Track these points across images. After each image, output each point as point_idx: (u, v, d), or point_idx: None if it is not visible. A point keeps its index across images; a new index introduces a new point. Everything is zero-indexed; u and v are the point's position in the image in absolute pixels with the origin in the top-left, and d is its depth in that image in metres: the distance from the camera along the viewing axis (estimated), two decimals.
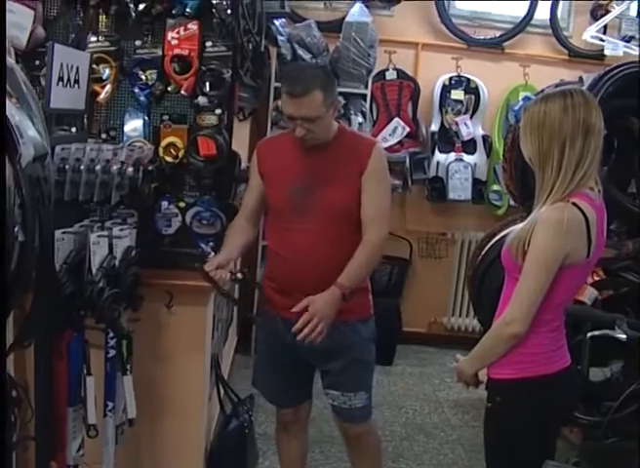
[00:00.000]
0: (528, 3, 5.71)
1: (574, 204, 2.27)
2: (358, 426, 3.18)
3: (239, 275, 2.84)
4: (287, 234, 2.97)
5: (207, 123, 3.11)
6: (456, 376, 2.58)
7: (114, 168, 2.67)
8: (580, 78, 4.79)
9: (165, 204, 3.18)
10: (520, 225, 2.39)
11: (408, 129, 5.66)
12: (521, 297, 2.31)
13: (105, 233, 2.65)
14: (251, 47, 3.26)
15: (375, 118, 5.67)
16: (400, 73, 5.70)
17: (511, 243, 2.36)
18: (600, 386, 3.95)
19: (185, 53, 3.04)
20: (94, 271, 2.60)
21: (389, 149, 5.43)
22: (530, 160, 2.39)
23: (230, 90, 3.14)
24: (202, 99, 3.08)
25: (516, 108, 4.38)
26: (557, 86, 4.24)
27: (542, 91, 4.27)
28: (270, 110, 5.30)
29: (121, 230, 2.72)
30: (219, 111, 3.11)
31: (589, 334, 2.65)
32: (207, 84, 3.07)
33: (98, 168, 2.64)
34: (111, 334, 2.77)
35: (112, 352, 2.78)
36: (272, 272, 3.09)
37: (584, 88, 3.89)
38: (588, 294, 3.56)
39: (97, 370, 2.73)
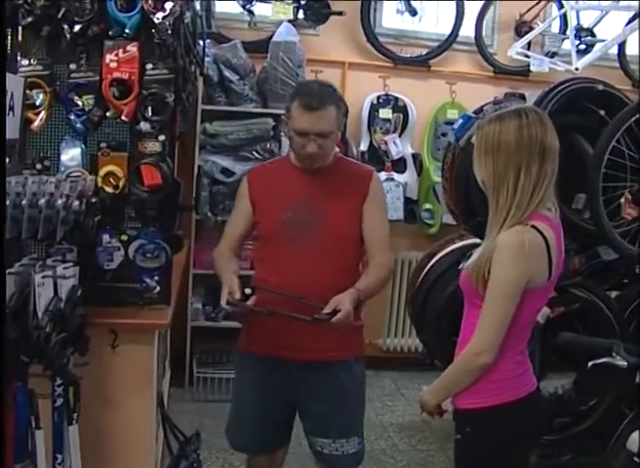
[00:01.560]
0: (453, 21, 5.71)
1: (533, 226, 2.22)
2: None
3: (247, 290, 2.71)
4: (282, 262, 2.82)
5: (150, 150, 2.96)
6: (419, 407, 2.50)
7: (59, 202, 2.47)
8: (512, 94, 4.83)
9: (106, 237, 3.01)
10: (477, 252, 2.34)
11: (337, 149, 5.53)
12: (487, 327, 2.25)
13: (50, 273, 2.45)
14: (193, 68, 3.10)
15: None
16: None
17: (471, 270, 2.30)
18: (552, 404, 3.93)
19: (125, 76, 2.89)
20: (39, 315, 2.39)
21: None
22: (483, 183, 2.32)
23: (173, 115, 3.00)
24: (144, 125, 2.93)
25: (455, 127, 4.32)
26: (495, 103, 4.26)
27: (481, 109, 4.29)
28: (198, 133, 5.13)
29: (65, 268, 2.53)
30: (162, 137, 2.97)
31: (591, 363, 2.58)
32: (149, 109, 2.92)
33: (41, 202, 2.44)
34: (58, 382, 2.56)
35: (60, 400, 2.58)
36: (269, 305, 2.85)
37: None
38: (541, 313, 3.50)
39: (43, 421, 2.51)
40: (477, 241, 4.56)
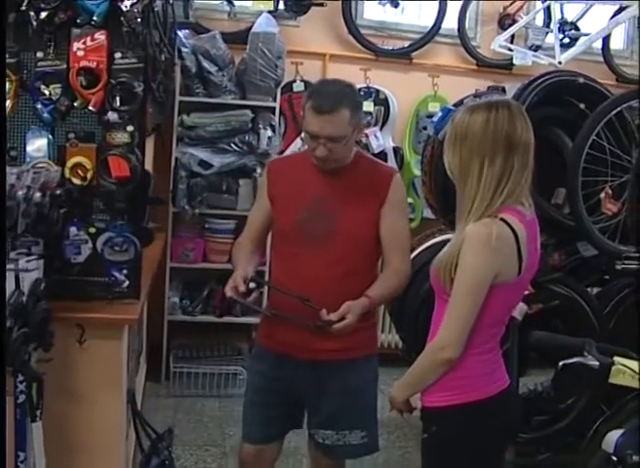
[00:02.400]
0: (435, 13, 5.66)
1: (502, 219, 2.19)
2: (340, 463, 3.01)
3: (252, 285, 2.66)
4: (295, 263, 2.78)
5: (118, 141, 2.89)
6: (389, 404, 2.47)
7: (20, 193, 2.41)
8: (495, 87, 4.79)
9: (73, 230, 2.94)
10: (446, 247, 2.30)
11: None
12: (452, 320, 2.22)
13: (12, 266, 2.39)
14: (163, 58, 3.05)
15: (283, 132, 5.51)
16: (307, 85, 5.52)
17: (438, 265, 2.27)
18: (531, 401, 3.89)
19: (93, 65, 2.82)
20: None
21: None
22: (451, 172, 2.31)
23: (142, 105, 2.94)
24: (112, 115, 2.87)
25: (435, 120, 4.28)
26: (475, 96, 4.21)
27: (462, 102, 4.24)
28: (175, 126, 5.08)
29: (28, 262, 2.48)
30: (130, 128, 2.90)
31: (561, 363, 2.54)
32: (117, 99, 2.86)
33: None
34: (20, 378, 2.50)
35: (22, 397, 2.52)
36: (276, 304, 2.85)
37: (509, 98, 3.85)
38: (518, 309, 3.47)
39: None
40: None
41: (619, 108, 3.64)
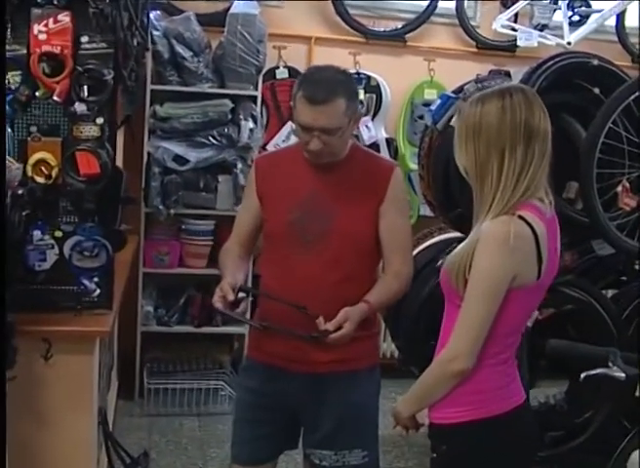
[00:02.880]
0: None
1: (520, 217, 2.17)
2: None
3: (241, 294, 2.64)
4: (287, 267, 2.76)
5: (86, 135, 2.91)
6: (393, 419, 2.44)
7: None
8: (498, 71, 4.77)
9: (37, 234, 2.95)
10: (459, 246, 2.28)
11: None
12: (465, 328, 2.19)
13: None
14: (135, 43, 3.01)
15: (265, 123, 5.48)
16: (292, 71, 5.53)
17: (450, 266, 2.25)
18: (543, 416, 3.88)
19: (57, 50, 2.81)
20: None
21: None
22: (465, 171, 2.28)
23: (113, 95, 2.94)
24: (79, 107, 2.87)
25: (432, 108, 4.26)
26: (477, 82, 4.19)
27: (462, 89, 4.22)
28: (147, 117, 5.03)
29: None
30: (100, 120, 2.92)
31: (584, 374, 2.52)
32: (85, 88, 2.86)
33: None
34: None
35: None
36: (266, 312, 2.82)
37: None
38: None
39: None
40: (458, 235, 4.52)
41: (637, 93, 3.61)
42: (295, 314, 2.63)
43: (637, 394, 2.57)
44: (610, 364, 2.51)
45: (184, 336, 5.31)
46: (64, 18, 2.78)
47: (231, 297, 2.57)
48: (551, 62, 3.80)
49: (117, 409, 4.89)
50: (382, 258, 2.82)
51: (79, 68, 2.84)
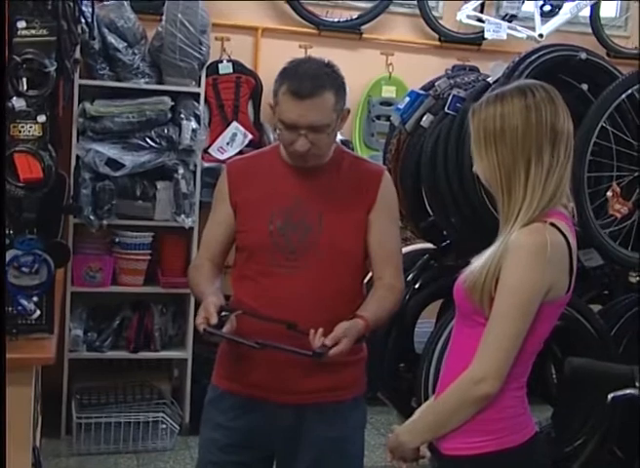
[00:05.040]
0: None
1: (552, 224, 2.17)
2: None
3: (224, 314, 2.59)
4: (268, 284, 2.72)
5: (26, 134, 2.85)
6: (389, 453, 2.39)
7: None
8: (462, 67, 4.80)
9: None
10: (478, 262, 2.24)
11: (250, 136, 5.44)
12: (493, 347, 2.17)
13: None
14: (80, 30, 2.95)
15: (207, 123, 5.43)
16: (236, 66, 5.55)
17: (472, 281, 2.22)
18: None
19: None
20: None
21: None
22: (487, 181, 2.28)
23: (55, 89, 2.90)
24: (17, 102, 2.82)
25: (400, 107, 4.27)
26: (449, 77, 4.23)
27: (432, 85, 4.25)
28: (75, 116, 4.96)
29: None
30: (42, 118, 2.86)
31: (611, 396, 2.51)
32: (23, 80, 2.80)
33: None
34: None
35: None
36: (246, 334, 2.72)
37: (495, 78, 3.85)
38: None
39: None
40: (427, 246, 4.52)
41: (630, 90, 3.65)
42: (281, 333, 2.59)
43: None
44: (637, 383, 2.51)
45: (119, 363, 5.26)
46: None
47: (214, 320, 2.53)
48: (534, 56, 3.85)
49: (41, 448, 4.76)
50: (371, 270, 2.82)
51: (16, 58, 2.78)
